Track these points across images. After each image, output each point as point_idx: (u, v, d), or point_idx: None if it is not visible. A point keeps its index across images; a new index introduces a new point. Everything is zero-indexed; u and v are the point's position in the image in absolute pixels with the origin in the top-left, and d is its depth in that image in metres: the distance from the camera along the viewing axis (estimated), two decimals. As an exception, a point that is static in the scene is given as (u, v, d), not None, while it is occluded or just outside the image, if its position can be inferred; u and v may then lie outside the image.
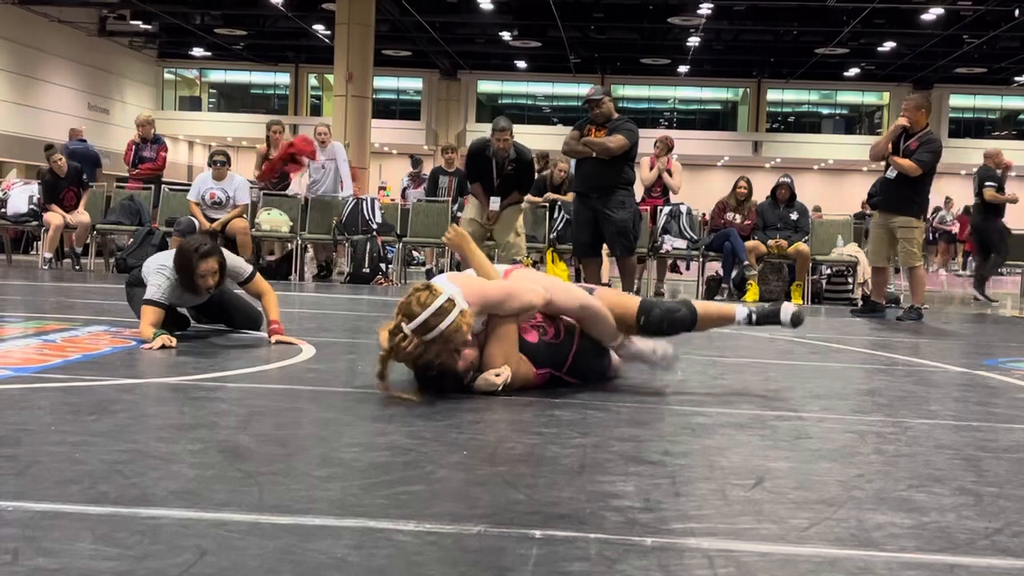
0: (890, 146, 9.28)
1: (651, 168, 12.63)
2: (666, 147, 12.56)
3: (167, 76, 41.09)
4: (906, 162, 9.11)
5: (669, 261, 13.65)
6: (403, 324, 3.85)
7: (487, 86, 42.33)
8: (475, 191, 10.34)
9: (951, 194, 26.54)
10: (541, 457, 3.12)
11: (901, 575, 2.12)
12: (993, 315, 11.38)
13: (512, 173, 10.13)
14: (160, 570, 1.95)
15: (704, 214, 12.73)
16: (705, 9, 27.50)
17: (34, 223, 12.82)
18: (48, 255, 12.37)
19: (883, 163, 9.52)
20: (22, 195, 12.85)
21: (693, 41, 32.60)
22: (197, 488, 2.57)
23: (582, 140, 9.40)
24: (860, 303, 10.49)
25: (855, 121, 43.05)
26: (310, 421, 3.66)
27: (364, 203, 12.41)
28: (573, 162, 13.32)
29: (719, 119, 43.99)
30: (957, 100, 40.68)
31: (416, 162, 18.45)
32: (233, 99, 42.64)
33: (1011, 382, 5.37)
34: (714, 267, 12.40)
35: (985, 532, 2.45)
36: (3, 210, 12.85)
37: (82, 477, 2.61)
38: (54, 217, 12.20)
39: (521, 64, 38.90)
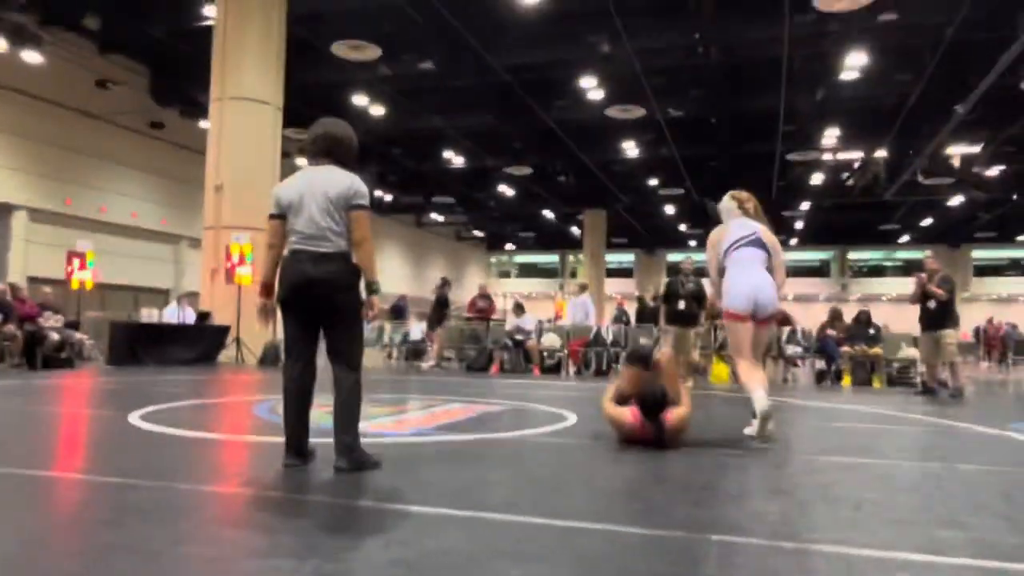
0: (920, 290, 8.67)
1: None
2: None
3: (491, 260, 43.20)
4: (939, 291, 8.51)
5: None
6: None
7: (672, 257, 41.73)
8: (666, 312, 9.08)
9: None
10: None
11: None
12: (1017, 391, 10.02)
13: (693, 288, 8.98)
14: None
15: (810, 330, 12.01)
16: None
17: (423, 343, 13.71)
18: (432, 362, 13.16)
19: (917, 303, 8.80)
20: (417, 328, 13.90)
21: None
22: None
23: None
24: (920, 387, 9.56)
25: (908, 271, 39.14)
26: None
27: (602, 328, 12.56)
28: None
29: (817, 271, 41.34)
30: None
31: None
32: (528, 271, 44.23)
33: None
34: (818, 363, 11.63)
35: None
36: (406, 335, 13.79)
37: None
38: (437, 338, 13.05)
39: (692, 243, 38.28)
